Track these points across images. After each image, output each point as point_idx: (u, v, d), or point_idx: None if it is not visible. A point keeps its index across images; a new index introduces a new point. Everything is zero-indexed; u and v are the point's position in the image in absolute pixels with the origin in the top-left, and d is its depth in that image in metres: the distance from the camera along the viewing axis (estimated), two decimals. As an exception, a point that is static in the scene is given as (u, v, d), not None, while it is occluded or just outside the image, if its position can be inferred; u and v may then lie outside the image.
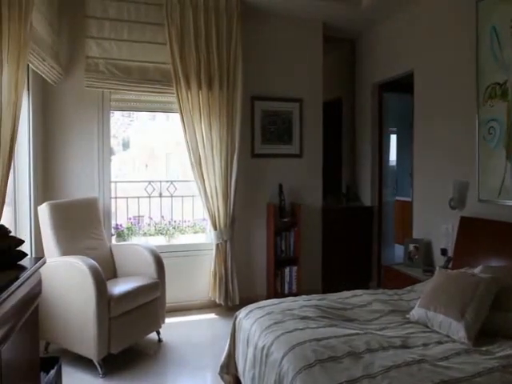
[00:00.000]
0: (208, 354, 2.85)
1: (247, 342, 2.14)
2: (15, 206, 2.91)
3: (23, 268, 1.56)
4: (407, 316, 2.21)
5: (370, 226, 4.35)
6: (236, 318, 2.36)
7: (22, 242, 1.65)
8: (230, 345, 2.35)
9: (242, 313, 2.34)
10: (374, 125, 4.38)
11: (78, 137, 3.44)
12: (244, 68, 3.62)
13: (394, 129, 5.63)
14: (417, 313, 2.16)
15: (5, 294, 1.26)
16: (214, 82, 3.54)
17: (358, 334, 1.91)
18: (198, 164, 3.51)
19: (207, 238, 3.85)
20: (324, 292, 3.66)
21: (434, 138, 3.44)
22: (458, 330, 1.93)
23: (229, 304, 3.59)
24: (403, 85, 4.07)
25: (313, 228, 4.08)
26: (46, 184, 3.31)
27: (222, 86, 3.56)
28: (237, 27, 3.57)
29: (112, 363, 2.61)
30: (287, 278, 3.82)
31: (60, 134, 3.39)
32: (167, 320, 3.08)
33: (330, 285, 3.91)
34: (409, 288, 2.72)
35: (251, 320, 2.20)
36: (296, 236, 3.86)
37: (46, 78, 3.13)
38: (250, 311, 2.30)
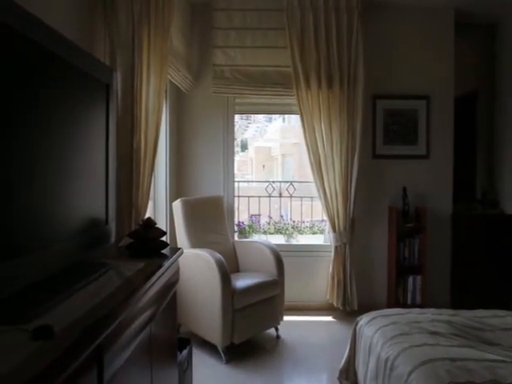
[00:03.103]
0: (324, 357, 2.82)
1: (369, 351, 2.05)
2: (154, 201, 3.29)
3: (165, 256, 1.74)
4: None
5: (511, 238, 3.79)
6: (357, 324, 2.28)
7: (164, 233, 1.84)
8: (349, 350, 2.28)
9: (363, 319, 2.25)
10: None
11: (206, 139, 3.73)
12: (365, 65, 3.49)
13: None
14: None
15: (154, 278, 1.42)
16: (334, 81, 3.48)
17: (504, 361, 1.66)
18: (317, 165, 3.50)
19: (326, 239, 3.81)
20: (453, 307, 3.31)
21: None
22: None
23: (347, 308, 3.50)
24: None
25: (440, 235, 3.72)
26: (178, 182, 3.66)
27: (343, 85, 3.49)
28: (357, 24, 3.46)
29: (234, 352, 2.75)
30: (410, 288, 3.56)
31: (190, 138, 3.72)
32: (285, 318, 3.13)
33: (461, 300, 3.52)
34: None
35: (373, 328, 2.10)
36: (421, 243, 3.57)
37: (179, 86, 3.45)
38: (373, 318, 2.20)
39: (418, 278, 3.55)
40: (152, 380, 1.49)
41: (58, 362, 0.80)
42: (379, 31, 3.70)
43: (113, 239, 1.72)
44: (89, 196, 1.49)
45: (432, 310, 2.30)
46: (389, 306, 3.41)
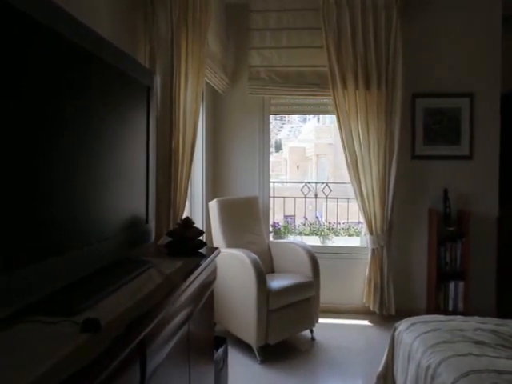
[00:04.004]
0: (360, 361, 2.77)
1: (408, 358, 1.99)
2: (191, 201, 3.35)
3: (203, 256, 1.77)
4: None
5: None
6: (395, 330, 2.22)
7: (202, 232, 1.87)
8: (387, 356, 2.23)
9: (402, 325, 2.19)
10: None
11: (241, 140, 3.76)
12: (404, 64, 3.39)
13: None
14: None
15: (193, 276, 1.45)
16: (372, 80, 3.41)
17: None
18: (354, 166, 3.44)
19: (362, 241, 3.74)
20: (500, 316, 3.14)
21: None
22: None
23: (384, 313, 3.41)
24: None
25: (485, 240, 3.55)
26: (214, 182, 3.71)
27: (381, 84, 3.41)
28: (396, 22, 3.36)
29: (269, 352, 2.75)
30: (452, 294, 3.42)
31: (226, 138, 3.77)
32: (320, 320, 3.09)
33: (507, 308, 3.34)
34: None
35: (413, 334, 2.04)
36: (464, 247, 3.42)
37: (216, 88, 3.50)
38: (412, 324, 2.13)
39: (461, 284, 3.40)
40: (190, 376, 1.51)
41: (105, 354, 0.83)
42: (418, 27, 3.57)
43: (152, 238, 1.77)
44: (130, 195, 1.54)
45: (476, 318, 2.20)
46: (428, 313, 3.29)
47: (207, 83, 3.30)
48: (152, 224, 1.75)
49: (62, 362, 0.77)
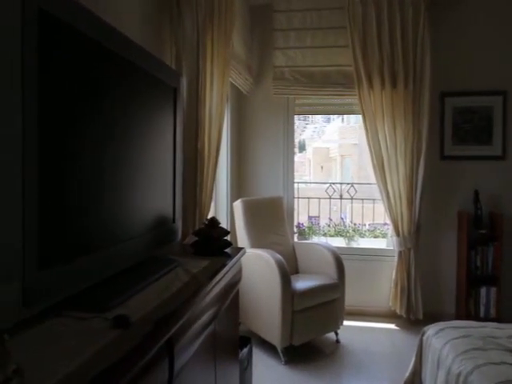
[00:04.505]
0: (387, 366, 2.71)
1: (437, 364, 1.93)
2: (216, 201, 3.37)
3: (229, 255, 1.78)
4: None
5: None
6: (423, 334, 2.17)
7: (228, 232, 1.88)
8: (415, 361, 2.17)
9: (430, 329, 2.13)
10: None
11: (266, 140, 3.76)
12: (432, 62, 3.30)
13: None
14: None
15: (219, 276, 1.45)
16: (399, 79, 3.34)
17: None
18: (380, 166, 3.37)
19: (388, 243, 3.66)
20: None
21: None
22: None
23: (411, 317, 3.33)
24: None
25: (519, 243, 3.42)
26: (239, 182, 3.72)
27: (408, 83, 3.34)
28: (424, 18, 3.28)
29: (293, 354, 2.74)
30: (483, 300, 3.29)
31: (250, 139, 3.77)
32: (345, 322, 3.05)
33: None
34: None
35: (442, 340, 1.98)
36: (496, 251, 3.30)
37: (240, 88, 3.51)
38: (441, 329, 2.07)
39: (493, 289, 3.27)
40: (216, 375, 1.52)
41: (135, 351, 0.84)
42: (448, 23, 3.47)
43: (179, 237, 1.79)
44: (158, 195, 1.56)
45: (511, 325, 2.11)
46: (458, 318, 3.20)
47: (232, 84, 3.32)
48: (179, 223, 1.77)
49: (94, 357, 0.78)
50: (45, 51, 0.87)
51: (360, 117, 3.44)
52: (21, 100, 0.81)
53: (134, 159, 1.34)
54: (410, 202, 3.33)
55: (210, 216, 2.12)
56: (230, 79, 3.12)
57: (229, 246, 1.84)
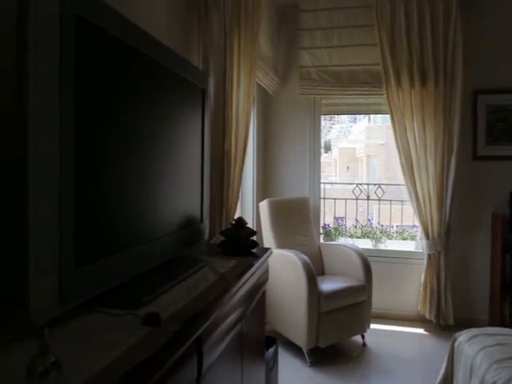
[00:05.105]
0: (415, 371, 2.65)
1: (470, 372, 1.86)
2: (242, 201, 3.38)
3: (256, 256, 1.78)
4: None
5: None
6: (455, 341, 2.10)
7: (255, 232, 1.88)
8: (446, 368, 2.10)
9: (462, 336, 2.06)
10: None
11: (292, 141, 3.74)
12: (464, 59, 3.19)
13: None
14: None
15: (246, 276, 1.46)
16: (429, 77, 3.25)
17: None
18: (409, 167, 3.29)
19: (417, 246, 3.58)
20: None
21: None
22: None
23: (441, 322, 3.23)
24: None
25: (557, 247, 3.26)
26: (265, 183, 3.72)
27: (438, 81, 3.24)
28: (456, 13, 3.17)
29: (319, 356, 2.71)
30: (518, 306, 3.17)
31: (277, 139, 3.76)
32: (372, 326, 3.00)
33: None
34: None
35: (476, 347, 1.91)
36: (532, 255, 3.17)
37: (266, 88, 3.51)
38: (474, 336, 2.00)
39: (528, 295, 3.14)
40: (242, 374, 1.53)
41: (165, 348, 0.85)
42: (480, 18, 3.35)
43: (206, 236, 1.81)
44: (187, 196, 1.58)
45: (549, 333, 2.02)
46: (491, 324, 3.08)
47: (258, 84, 3.32)
48: (206, 223, 1.79)
49: (127, 353, 0.80)
50: (80, 55, 0.90)
51: (387, 116, 3.37)
52: (58, 102, 0.84)
53: (165, 160, 1.36)
54: (440, 204, 3.23)
55: (238, 216, 2.13)
56: (257, 79, 3.12)
57: (256, 246, 1.84)
